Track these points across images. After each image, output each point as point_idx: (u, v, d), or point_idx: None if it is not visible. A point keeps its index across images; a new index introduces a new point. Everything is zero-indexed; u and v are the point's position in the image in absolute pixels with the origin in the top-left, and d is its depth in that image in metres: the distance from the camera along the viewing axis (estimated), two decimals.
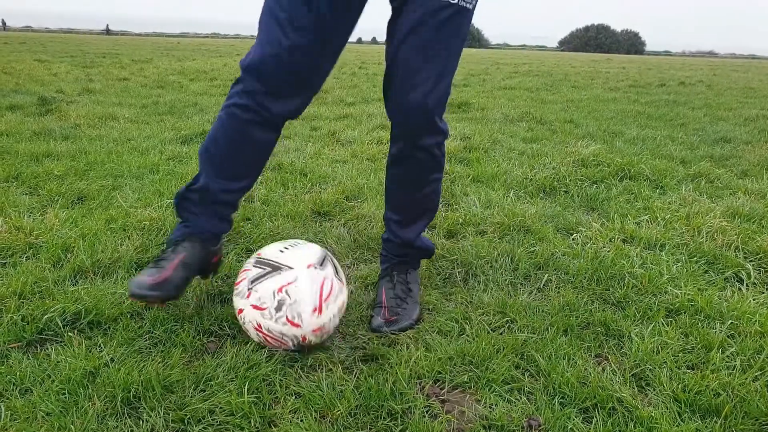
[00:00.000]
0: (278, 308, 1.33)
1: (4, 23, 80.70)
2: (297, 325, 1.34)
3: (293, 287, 1.34)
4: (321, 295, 1.36)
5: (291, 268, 1.37)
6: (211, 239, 1.59)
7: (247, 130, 1.48)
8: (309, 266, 1.39)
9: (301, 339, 1.36)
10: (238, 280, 1.43)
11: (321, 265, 1.41)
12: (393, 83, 1.45)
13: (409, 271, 1.70)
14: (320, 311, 1.36)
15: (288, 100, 1.46)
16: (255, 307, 1.35)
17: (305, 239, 2.02)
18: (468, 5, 1.41)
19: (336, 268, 1.47)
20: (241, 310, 1.39)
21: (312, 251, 1.44)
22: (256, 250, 1.52)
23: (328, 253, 1.50)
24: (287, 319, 1.33)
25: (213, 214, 1.56)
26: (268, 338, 1.36)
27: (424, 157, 1.54)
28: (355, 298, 1.67)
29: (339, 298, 1.43)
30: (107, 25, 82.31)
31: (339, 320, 1.45)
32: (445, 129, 1.53)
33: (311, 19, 1.37)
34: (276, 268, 1.38)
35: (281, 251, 1.42)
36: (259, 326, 1.35)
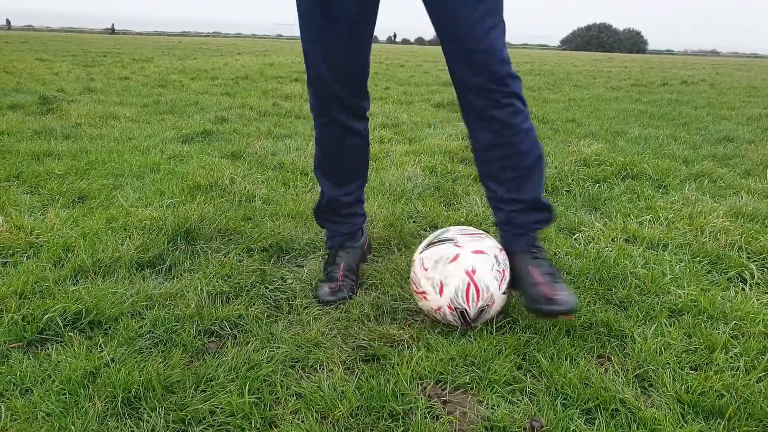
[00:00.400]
0: (497, 261, 1.53)
1: (8, 22, 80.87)
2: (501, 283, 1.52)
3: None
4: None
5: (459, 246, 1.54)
6: (355, 235, 1.86)
7: (340, 143, 1.72)
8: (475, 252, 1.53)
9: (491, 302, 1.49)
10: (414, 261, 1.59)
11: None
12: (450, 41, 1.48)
13: (539, 245, 1.64)
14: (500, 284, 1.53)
15: (354, 103, 1.65)
16: (478, 251, 1.52)
17: (307, 239, 2.02)
18: None
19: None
20: (457, 256, 1.50)
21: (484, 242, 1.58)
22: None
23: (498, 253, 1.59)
24: (500, 272, 1.52)
25: (346, 216, 1.84)
26: (475, 285, 1.47)
27: (508, 105, 1.50)
28: (357, 297, 1.66)
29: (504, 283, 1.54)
30: (112, 25, 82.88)
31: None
32: (514, 73, 1.50)
33: (343, 36, 1.53)
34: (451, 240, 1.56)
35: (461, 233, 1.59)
36: (474, 271, 1.48)
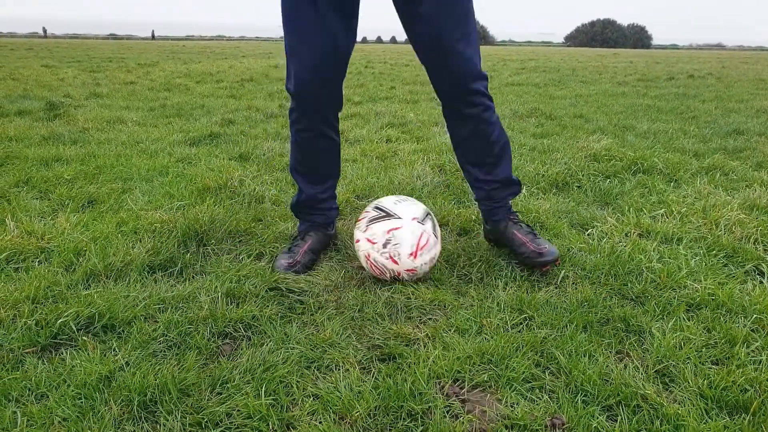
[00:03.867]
0: (385, 245, 1.71)
1: (45, 30, 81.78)
2: (396, 262, 1.70)
3: (398, 232, 1.71)
4: (418, 244, 1.71)
5: (399, 217, 1.74)
6: (327, 226, 2.03)
7: (314, 144, 1.90)
8: (413, 219, 1.75)
9: (396, 274, 1.72)
10: (360, 218, 1.83)
11: (422, 220, 1.76)
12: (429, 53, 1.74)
13: (512, 211, 1.96)
14: (415, 256, 1.70)
15: (331, 105, 1.84)
16: (368, 240, 1.74)
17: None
18: None
19: (434, 225, 1.80)
20: (358, 240, 1.78)
21: (418, 208, 1.80)
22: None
23: (430, 212, 1.83)
24: (389, 255, 1.70)
25: (321, 210, 2.01)
26: (373, 267, 1.74)
27: (479, 104, 1.80)
28: (369, 296, 1.65)
29: (432, 250, 1.75)
30: (153, 31, 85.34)
31: (429, 269, 1.77)
32: (485, 73, 1.81)
33: (328, 43, 1.68)
34: (388, 215, 1.75)
35: (395, 203, 1.79)
36: (368, 255, 1.73)
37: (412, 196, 2.54)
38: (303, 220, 2.03)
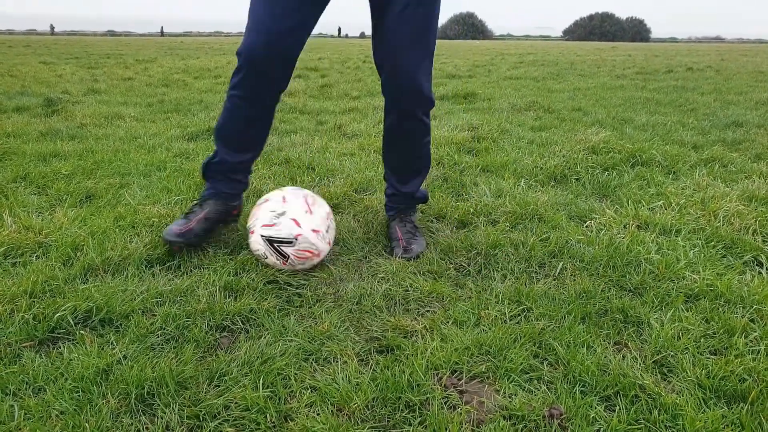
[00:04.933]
0: (279, 215, 1.71)
1: (52, 28, 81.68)
2: (298, 225, 1.70)
3: (285, 204, 1.74)
4: (307, 202, 1.76)
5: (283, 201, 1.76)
6: (231, 197, 1.99)
7: (249, 113, 1.85)
8: (287, 191, 1.79)
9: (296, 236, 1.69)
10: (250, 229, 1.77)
11: (295, 192, 1.80)
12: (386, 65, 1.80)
13: (411, 213, 2.10)
14: (311, 212, 1.74)
15: (277, 80, 1.79)
16: (265, 225, 1.70)
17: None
18: None
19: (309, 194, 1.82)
20: (252, 232, 1.74)
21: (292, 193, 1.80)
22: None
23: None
24: (292, 219, 1.70)
25: (230, 179, 1.96)
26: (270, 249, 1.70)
27: (417, 126, 1.90)
28: (367, 288, 1.65)
29: (323, 206, 1.81)
30: (162, 27, 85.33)
31: (334, 225, 1.83)
32: (433, 98, 1.86)
33: (294, 4, 1.68)
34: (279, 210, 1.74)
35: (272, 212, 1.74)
36: (270, 238, 1.69)
37: None
38: (209, 185, 1.98)
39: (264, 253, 1.71)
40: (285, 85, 1.83)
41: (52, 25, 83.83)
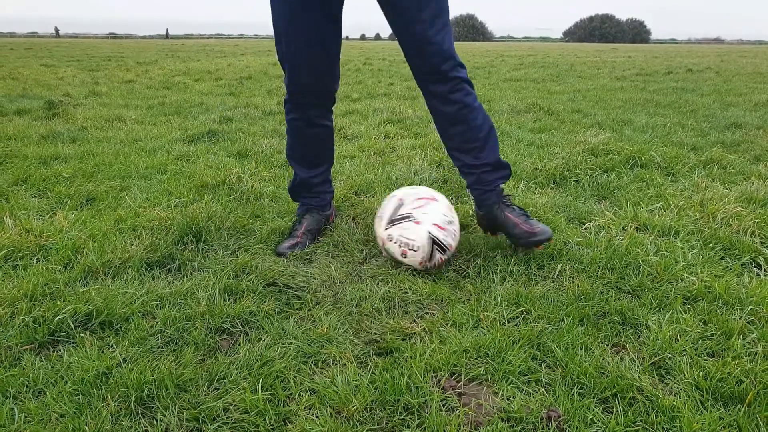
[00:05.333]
0: (449, 223, 1.81)
1: (57, 30, 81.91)
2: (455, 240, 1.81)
3: (453, 214, 1.85)
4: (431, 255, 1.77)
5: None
6: (323, 207, 2.14)
7: (307, 132, 2.02)
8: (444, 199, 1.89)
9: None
10: (387, 205, 1.87)
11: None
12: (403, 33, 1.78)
13: (504, 197, 1.96)
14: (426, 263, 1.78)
15: (320, 102, 1.98)
16: (436, 225, 1.76)
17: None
18: None
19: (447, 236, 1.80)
20: (419, 222, 1.77)
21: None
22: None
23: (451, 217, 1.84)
24: (455, 231, 1.81)
25: (316, 192, 2.13)
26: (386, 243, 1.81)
27: (453, 86, 1.81)
28: (366, 291, 1.65)
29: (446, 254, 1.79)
30: (167, 30, 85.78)
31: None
32: (457, 57, 1.80)
33: (315, 39, 1.81)
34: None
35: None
36: (435, 239, 1.75)
37: None
38: (300, 203, 2.16)
39: (416, 246, 1.75)
40: (332, 95, 1.99)
41: (56, 27, 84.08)
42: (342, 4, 1.86)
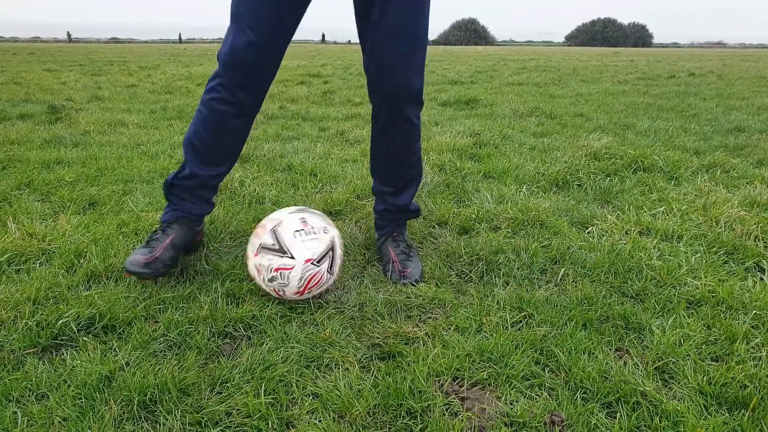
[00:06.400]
0: (270, 280, 1.56)
1: (69, 35, 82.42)
2: (280, 296, 1.59)
3: (287, 273, 1.54)
4: (307, 285, 1.57)
5: (292, 257, 1.55)
6: (197, 220, 1.85)
7: (226, 120, 1.70)
8: (307, 261, 1.55)
9: (279, 298, 1.60)
10: (257, 231, 1.63)
11: (318, 262, 1.57)
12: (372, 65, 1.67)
13: (402, 231, 1.98)
14: (301, 294, 1.58)
15: (255, 90, 1.67)
16: (256, 268, 1.59)
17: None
18: None
19: (332, 263, 1.62)
20: (248, 258, 1.62)
21: (318, 247, 1.59)
22: (278, 208, 1.80)
23: (336, 243, 1.64)
24: (274, 289, 1.57)
25: (198, 198, 1.82)
26: (257, 281, 1.61)
27: (408, 128, 1.76)
28: (369, 295, 1.65)
29: (324, 285, 1.62)
30: (179, 34, 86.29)
31: (320, 293, 1.66)
32: (422, 96, 1.73)
33: (271, 17, 1.57)
34: (282, 250, 1.56)
35: (294, 235, 1.57)
36: (253, 278, 1.61)
37: None
38: (173, 206, 1.82)
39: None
40: (267, 89, 1.71)
41: (68, 32, 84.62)
42: None
